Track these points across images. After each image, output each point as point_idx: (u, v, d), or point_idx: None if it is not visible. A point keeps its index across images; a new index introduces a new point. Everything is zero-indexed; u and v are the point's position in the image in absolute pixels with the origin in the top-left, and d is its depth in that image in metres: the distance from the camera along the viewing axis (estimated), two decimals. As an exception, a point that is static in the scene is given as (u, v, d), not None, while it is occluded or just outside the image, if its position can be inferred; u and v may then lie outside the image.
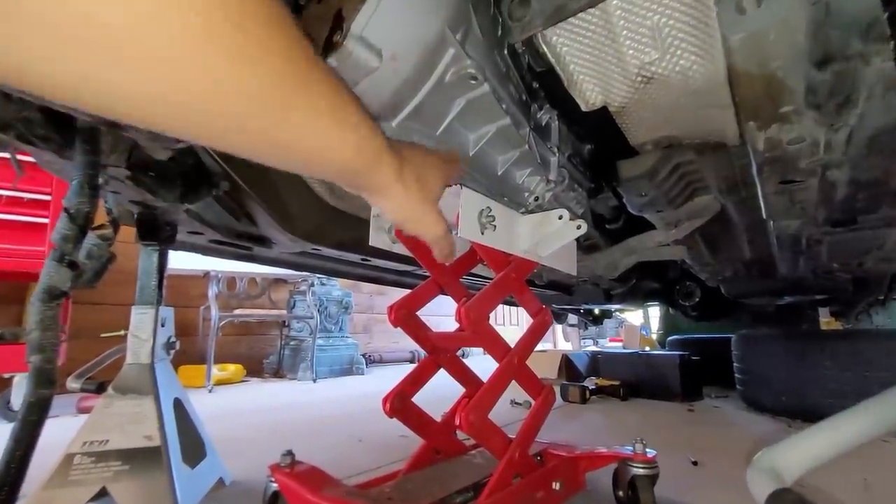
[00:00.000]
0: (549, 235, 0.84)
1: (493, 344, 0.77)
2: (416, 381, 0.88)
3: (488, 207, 0.76)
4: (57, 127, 0.59)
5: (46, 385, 0.50)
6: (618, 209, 1.39)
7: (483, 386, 0.74)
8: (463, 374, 0.96)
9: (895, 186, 0.67)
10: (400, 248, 0.89)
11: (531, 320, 0.91)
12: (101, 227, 0.60)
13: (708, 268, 1.76)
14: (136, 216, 0.94)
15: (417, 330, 0.86)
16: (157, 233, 0.99)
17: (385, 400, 0.81)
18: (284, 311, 3.81)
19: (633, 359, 2.56)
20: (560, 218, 0.82)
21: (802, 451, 0.41)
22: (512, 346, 0.81)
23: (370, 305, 4.93)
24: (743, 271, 1.81)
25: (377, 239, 0.90)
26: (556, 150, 0.94)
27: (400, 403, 0.83)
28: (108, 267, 0.60)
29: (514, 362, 0.79)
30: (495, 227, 0.76)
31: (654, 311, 4.82)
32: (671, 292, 2.57)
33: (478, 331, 0.74)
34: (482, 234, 0.74)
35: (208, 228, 1.18)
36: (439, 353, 0.91)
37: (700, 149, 0.89)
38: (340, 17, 0.53)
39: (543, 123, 0.94)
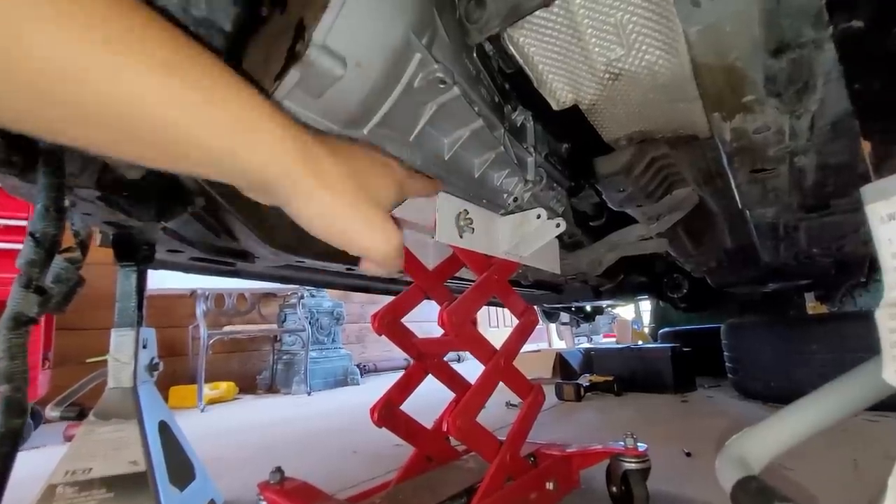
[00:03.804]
0: (529, 235, 0.84)
1: (478, 347, 0.77)
2: (403, 388, 0.87)
3: (465, 210, 0.76)
4: (18, 150, 0.58)
5: (17, 415, 0.49)
6: (600, 206, 1.40)
7: (470, 390, 0.74)
8: (451, 379, 0.96)
9: (862, 170, 0.68)
10: (381, 256, 0.88)
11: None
12: (68, 249, 0.59)
13: (692, 259, 1.78)
14: (111, 237, 0.92)
15: (402, 337, 0.86)
16: (135, 253, 0.97)
17: (373, 410, 0.80)
18: (275, 326, 3.77)
19: (625, 353, 2.57)
20: (538, 217, 0.82)
21: (769, 437, 0.42)
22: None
23: (362, 315, 4.91)
24: (726, 261, 1.83)
25: (357, 248, 0.89)
26: (532, 150, 0.95)
27: (388, 412, 0.82)
28: (76, 291, 0.58)
29: (500, 364, 0.79)
30: (474, 229, 0.76)
31: (646, 305, 4.86)
32: (659, 285, 2.59)
33: (461, 334, 0.74)
34: (461, 237, 0.74)
35: (188, 246, 1.16)
36: (426, 359, 0.90)
37: (673, 142, 0.90)
38: (302, 26, 0.53)
39: (518, 124, 0.95)
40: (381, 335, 0.84)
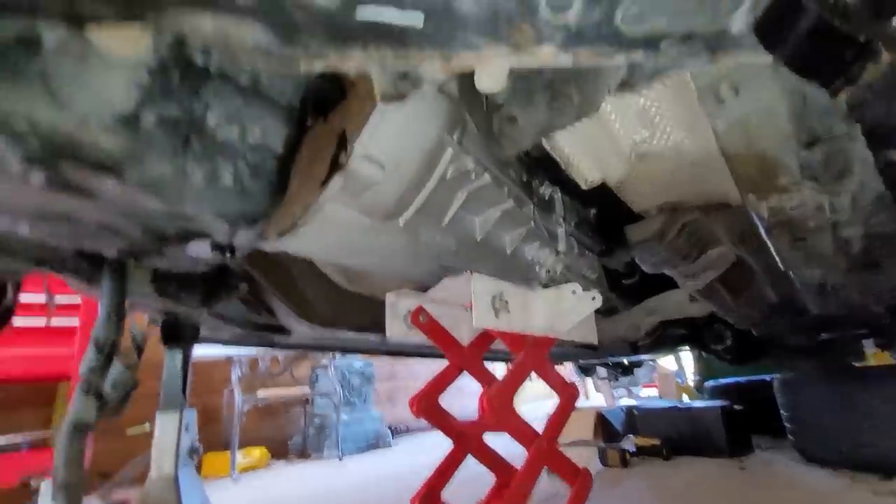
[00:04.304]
0: (565, 311, 0.83)
1: (519, 430, 0.75)
2: (444, 473, 0.84)
3: (501, 291, 0.77)
4: (86, 260, 0.63)
5: (71, 523, 0.49)
6: (632, 264, 1.38)
7: (514, 479, 0.71)
8: (492, 460, 0.92)
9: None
10: (417, 335, 0.89)
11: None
12: (124, 353, 0.62)
13: (734, 313, 1.70)
14: (160, 322, 0.96)
15: (442, 420, 0.84)
16: (181, 335, 1.01)
17: (414, 500, 0.77)
18: (307, 388, 3.75)
19: (672, 413, 2.42)
20: (574, 293, 0.81)
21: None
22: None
23: (392, 373, 4.84)
24: (771, 313, 1.74)
25: (394, 328, 0.90)
26: (561, 221, 0.96)
27: (430, 502, 0.79)
28: (131, 395, 0.61)
29: (543, 447, 0.76)
30: (509, 310, 0.76)
31: (687, 353, 4.61)
32: (700, 337, 2.48)
33: (502, 419, 0.72)
34: (497, 318, 0.74)
35: (229, 324, 1.20)
36: (466, 441, 0.88)
37: (705, 209, 0.90)
38: (344, 137, 0.57)
39: (546, 197, 0.97)
40: (419, 418, 0.82)
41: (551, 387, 0.88)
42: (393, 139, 0.59)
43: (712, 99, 0.48)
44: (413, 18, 0.28)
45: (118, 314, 0.57)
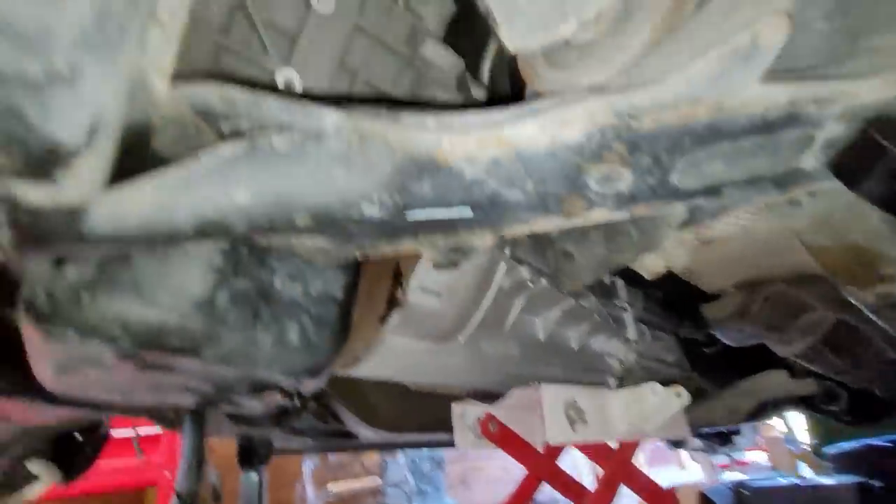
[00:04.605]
0: (648, 411, 0.76)
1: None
2: None
3: (573, 399, 0.72)
4: (168, 408, 0.66)
5: None
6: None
7: None
8: (590, 590, 0.81)
9: None
10: (488, 445, 0.84)
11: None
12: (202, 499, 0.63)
13: (844, 375, 1.49)
14: (237, 448, 0.99)
15: (526, 546, 0.76)
16: (256, 456, 1.02)
17: None
18: (378, 479, 3.62)
19: (792, 492, 2.07)
20: (654, 392, 0.74)
21: None
22: None
23: (463, 454, 4.59)
24: (893, 371, 1.50)
25: (463, 439, 0.86)
26: (627, 307, 0.91)
27: None
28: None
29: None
30: (586, 419, 0.71)
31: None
32: (811, 396, 2.17)
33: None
34: (574, 432, 0.69)
35: (299, 436, 1.20)
36: (556, 568, 0.78)
37: (790, 280, 0.82)
38: (399, 272, 0.58)
39: (608, 283, 0.93)
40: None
41: (644, 499, 0.78)
42: (446, 266, 0.59)
43: (786, 205, 0.45)
44: (461, 212, 0.28)
45: (199, 461, 0.59)
